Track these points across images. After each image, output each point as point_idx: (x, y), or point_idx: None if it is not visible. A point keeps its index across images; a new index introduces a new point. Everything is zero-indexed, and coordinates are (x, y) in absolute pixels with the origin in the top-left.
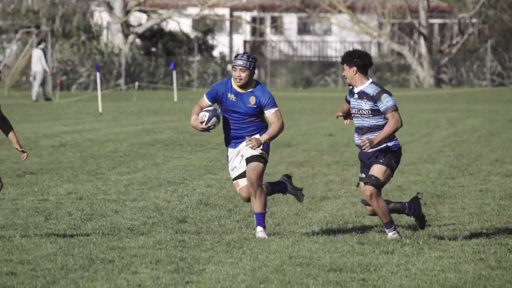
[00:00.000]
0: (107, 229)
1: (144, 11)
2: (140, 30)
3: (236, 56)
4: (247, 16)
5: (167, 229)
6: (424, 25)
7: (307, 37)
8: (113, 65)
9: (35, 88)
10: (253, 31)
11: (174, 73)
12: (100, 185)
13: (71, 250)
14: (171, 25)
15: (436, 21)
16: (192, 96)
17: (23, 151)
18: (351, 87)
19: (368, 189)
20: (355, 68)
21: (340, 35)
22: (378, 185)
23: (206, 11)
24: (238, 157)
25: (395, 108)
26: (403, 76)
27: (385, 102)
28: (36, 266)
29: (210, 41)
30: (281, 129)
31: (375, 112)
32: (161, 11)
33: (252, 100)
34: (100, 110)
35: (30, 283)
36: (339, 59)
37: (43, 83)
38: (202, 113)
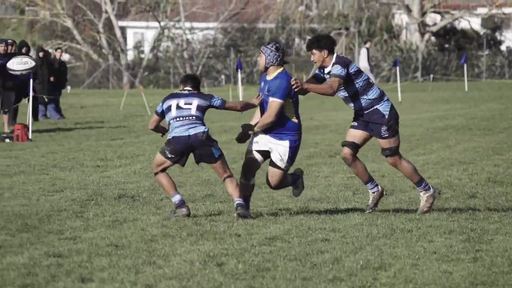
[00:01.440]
0: (406, 203)
1: (438, 12)
2: (434, 29)
3: None
4: None
5: (459, 203)
6: None
7: None
8: (411, 60)
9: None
10: None
11: (465, 66)
12: None
13: (375, 220)
14: (462, 24)
15: None
16: (481, 86)
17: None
18: (321, 69)
19: (391, 160)
20: (325, 51)
21: None
22: (395, 153)
23: (494, 11)
24: (264, 140)
25: (336, 76)
26: None
27: (334, 70)
28: (345, 233)
29: (498, 37)
30: (268, 120)
31: (347, 81)
32: (453, 11)
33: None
34: (400, 99)
35: (341, 248)
36: None
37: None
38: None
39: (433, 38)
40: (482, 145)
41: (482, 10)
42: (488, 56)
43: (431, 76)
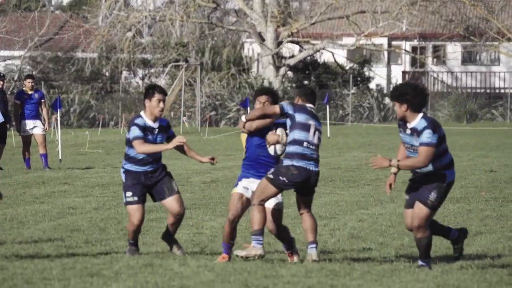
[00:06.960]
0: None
1: (297, 42)
2: (292, 62)
3: None
4: (406, 45)
5: (319, 260)
6: None
7: (472, 67)
8: None
9: None
10: (413, 62)
11: (328, 107)
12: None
13: (227, 277)
14: (325, 56)
15: None
16: (347, 131)
17: (211, 158)
18: (401, 122)
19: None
20: (405, 106)
21: (509, 64)
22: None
23: (362, 41)
24: None
25: (428, 145)
26: None
27: (424, 136)
28: None
29: (367, 73)
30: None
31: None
32: (314, 41)
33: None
34: None
35: None
36: (508, 91)
37: None
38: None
39: (290, 73)
40: (346, 199)
41: (349, 41)
42: (355, 96)
43: None
